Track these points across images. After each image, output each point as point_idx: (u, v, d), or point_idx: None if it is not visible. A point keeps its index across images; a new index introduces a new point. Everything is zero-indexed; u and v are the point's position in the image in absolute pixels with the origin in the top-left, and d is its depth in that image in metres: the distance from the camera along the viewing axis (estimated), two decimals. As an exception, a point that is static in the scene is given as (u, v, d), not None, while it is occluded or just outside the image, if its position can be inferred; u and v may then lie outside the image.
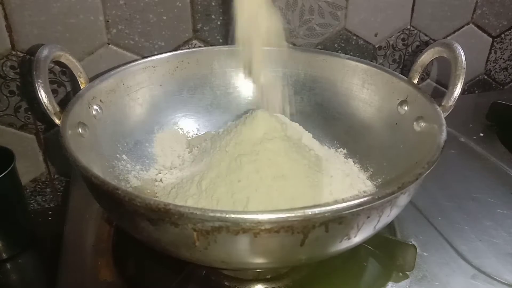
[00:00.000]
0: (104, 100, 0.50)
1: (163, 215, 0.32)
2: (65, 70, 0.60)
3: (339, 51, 0.71)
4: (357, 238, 0.36)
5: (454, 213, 0.53)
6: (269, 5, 0.51)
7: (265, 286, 0.44)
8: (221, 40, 0.65)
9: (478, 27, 0.77)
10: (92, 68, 0.59)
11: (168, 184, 0.50)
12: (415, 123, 0.49)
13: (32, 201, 0.67)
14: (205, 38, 0.64)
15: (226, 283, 0.44)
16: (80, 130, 0.45)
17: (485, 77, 0.84)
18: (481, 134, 0.69)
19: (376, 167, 0.53)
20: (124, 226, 0.41)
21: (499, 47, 0.81)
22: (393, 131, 0.52)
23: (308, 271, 0.45)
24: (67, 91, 0.61)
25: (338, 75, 0.58)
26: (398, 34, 0.73)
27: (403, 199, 0.38)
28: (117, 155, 0.51)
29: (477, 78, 0.83)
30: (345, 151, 0.57)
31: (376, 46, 0.73)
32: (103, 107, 0.50)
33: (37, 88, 0.42)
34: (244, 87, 0.61)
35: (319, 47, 0.70)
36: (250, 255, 0.35)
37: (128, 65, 0.54)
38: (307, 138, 0.53)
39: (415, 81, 0.51)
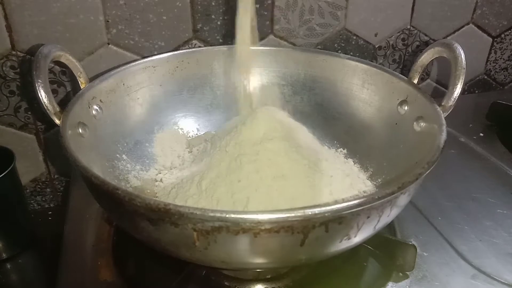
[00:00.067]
0: (104, 100, 0.50)
1: (163, 215, 0.32)
2: (65, 70, 0.60)
3: (339, 51, 0.71)
4: (357, 238, 0.36)
5: (454, 213, 0.53)
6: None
7: (265, 286, 0.44)
8: (221, 40, 0.65)
9: (478, 27, 0.77)
10: (92, 68, 0.59)
11: (168, 184, 0.50)
12: (415, 123, 0.49)
13: (32, 201, 0.67)
14: (205, 38, 0.64)
15: (226, 283, 0.44)
16: (80, 130, 0.45)
17: (485, 77, 0.84)
18: (481, 134, 0.69)
19: (376, 167, 0.53)
20: (124, 226, 0.41)
21: (499, 47, 0.81)
22: (393, 131, 0.52)
23: (308, 271, 0.45)
24: (67, 91, 0.61)
25: (338, 75, 0.58)
26: (398, 34, 0.73)
27: (403, 199, 0.38)
28: (117, 155, 0.51)
29: (477, 78, 0.83)
30: (345, 151, 0.57)
31: (376, 46, 0.73)
32: (103, 107, 0.50)
33: (37, 88, 0.42)
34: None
35: (319, 47, 0.70)
36: (250, 255, 0.35)
37: (128, 65, 0.54)
38: (308, 137, 0.53)
39: (415, 81, 0.51)
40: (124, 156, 0.51)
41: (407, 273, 0.45)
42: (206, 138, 0.58)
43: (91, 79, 0.51)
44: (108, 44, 0.60)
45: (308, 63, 0.60)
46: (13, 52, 0.57)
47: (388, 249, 0.46)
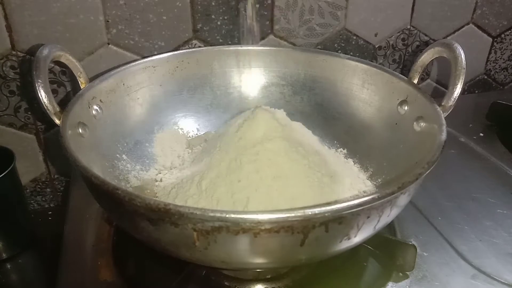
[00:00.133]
0: (104, 100, 0.50)
1: (163, 215, 0.32)
2: (65, 70, 0.60)
3: (339, 51, 0.71)
4: (357, 238, 0.36)
5: (454, 213, 0.53)
6: None
7: (265, 286, 0.44)
8: (221, 40, 0.65)
9: (478, 27, 0.78)
10: (92, 68, 0.59)
11: (168, 184, 0.50)
12: (415, 123, 0.49)
13: (32, 201, 0.67)
14: (205, 38, 0.64)
15: (226, 283, 0.44)
16: (80, 130, 0.45)
17: (485, 77, 0.84)
18: (481, 134, 0.69)
19: (376, 167, 0.53)
20: (124, 226, 0.41)
21: (499, 47, 0.81)
22: (393, 131, 0.52)
23: (308, 271, 0.45)
24: (67, 91, 0.61)
25: (338, 75, 0.58)
26: (398, 34, 0.73)
27: (403, 199, 0.38)
28: (117, 155, 0.51)
29: (477, 78, 0.83)
30: (345, 151, 0.57)
31: (376, 46, 0.73)
32: (103, 107, 0.50)
33: (37, 88, 0.42)
34: (244, 87, 0.61)
35: (319, 47, 0.70)
36: (250, 255, 0.35)
37: (128, 65, 0.54)
38: (308, 137, 0.53)
39: (415, 81, 0.51)
40: (124, 156, 0.51)
41: (407, 273, 0.45)
42: (206, 138, 0.58)
43: (91, 79, 0.50)
44: (108, 44, 0.60)
45: (308, 63, 0.60)
46: (13, 52, 0.57)
47: (388, 249, 0.46)
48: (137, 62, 0.55)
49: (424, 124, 0.48)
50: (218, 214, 0.31)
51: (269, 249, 0.34)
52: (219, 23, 0.64)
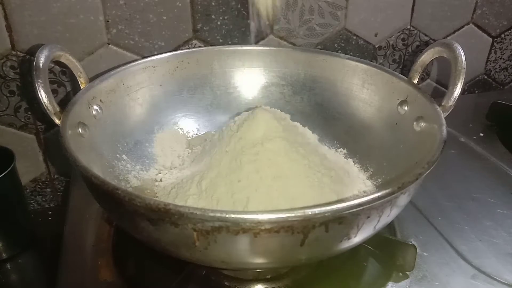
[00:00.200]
0: (104, 100, 0.50)
1: (163, 215, 0.32)
2: (65, 70, 0.60)
3: (339, 51, 0.71)
4: (357, 238, 0.36)
5: (454, 213, 0.53)
6: None
7: (265, 286, 0.44)
8: (221, 40, 0.65)
9: (478, 27, 0.77)
10: (92, 68, 0.59)
11: (168, 184, 0.50)
12: (415, 123, 0.49)
13: (32, 201, 0.67)
14: (205, 38, 0.64)
15: (226, 283, 0.44)
16: (80, 130, 0.45)
17: (485, 77, 0.84)
18: (481, 134, 0.69)
19: (376, 167, 0.53)
20: (124, 226, 0.41)
21: (499, 47, 0.81)
22: (393, 131, 0.52)
23: (308, 271, 0.45)
24: (67, 91, 0.61)
25: (338, 75, 0.58)
26: (398, 34, 0.73)
27: (403, 199, 0.38)
28: (117, 155, 0.51)
29: (477, 78, 0.83)
30: (345, 151, 0.57)
31: (376, 46, 0.73)
32: (103, 107, 0.50)
33: (37, 88, 0.42)
34: (244, 87, 0.61)
35: (319, 47, 0.70)
36: (250, 255, 0.35)
37: (128, 65, 0.54)
38: (308, 137, 0.53)
39: (415, 81, 0.51)
40: (124, 156, 0.51)
41: (407, 273, 0.45)
42: (206, 138, 0.58)
43: (91, 79, 0.50)
44: (108, 44, 0.60)
45: (308, 63, 0.60)
46: (13, 52, 0.57)
47: (388, 249, 0.46)
48: (137, 62, 0.55)
49: (424, 124, 0.48)
50: (218, 214, 0.31)
51: (269, 249, 0.34)
52: (219, 23, 0.64)
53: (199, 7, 0.62)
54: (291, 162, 0.45)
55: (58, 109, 0.43)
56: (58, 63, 0.56)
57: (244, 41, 0.65)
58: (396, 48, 0.74)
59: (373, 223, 0.36)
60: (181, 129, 0.59)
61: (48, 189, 0.67)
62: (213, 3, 0.62)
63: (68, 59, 0.49)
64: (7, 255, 0.56)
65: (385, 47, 0.73)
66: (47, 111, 0.42)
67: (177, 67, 0.58)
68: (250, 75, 0.61)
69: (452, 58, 0.47)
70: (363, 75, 0.56)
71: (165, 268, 0.46)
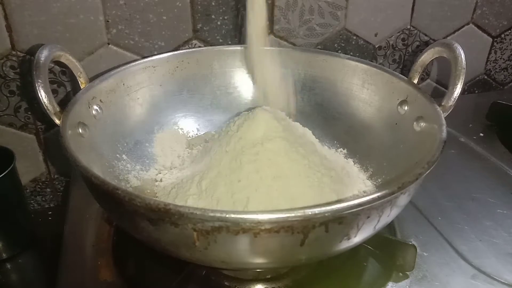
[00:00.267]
0: (104, 100, 0.50)
1: (163, 215, 0.32)
2: (65, 70, 0.60)
3: (339, 51, 0.71)
4: (357, 238, 0.36)
5: (454, 213, 0.53)
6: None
7: (265, 286, 0.44)
8: (221, 40, 0.65)
9: (478, 27, 0.77)
10: (92, 68, 0.59)
11: (168, 184, 0.50)
12: (415, 123, 0.49)
13: (32, 201, 0.67)
14: (205, 38, 0.64)
15: (226, 283, 0.44)
16: (80, 130, 0.45)
17: (485, 77, 0.84)
18: (481, 134, 0.69)
19: (376, 167, 0.53)
20: (124, 226, 0.41)
21: (499, 47, 0.81)
22: (393, 131, 0.52)
23: (308, 271, 0.45)
24: (67, 91, 0.61)
25: (338, 75, 0.58)
26: (398, 34, 0.73)
27: (403, 199, 0.38)
28: (117, 155, 0.51)
29: (477, 78, 0.83)
30: (345, 151, 0.57)
31: (376, 46, 0.73)
32: (103, 107, 0.50)
33: (37, 88, 0.42)
34: (244, 87, 0.61)
35: (319, 47, 0.70)
36: (250, 255, 0.35)
37: (128, 65, 0.54)
38: (308, 137, 0.53)
39: (415, 81, 0.51)
40: (124, 156, 0.51)
41: (407, 273, 0.45)
42: (206, 138, 0.58)
43: (91, 79, 0.50)
44: (108, 44, 0.60)
45: (308, 63, 0.60)
46: (13, 52, 0.57)
47: (388, 249, 0.46)
48: (137, 62, 0.55)
49: (424, 124, 0.48)
50: (218, 214, 0.31)
51: (269, 249, 0.34)
52: (219, 23, 0.64)
53: (199, 7, 0.62)
54: (291, 162, 0.45)
55: (58, 109, 0.43)
56: (58, 63, 0.56)
57: (244, 41, 0.65)
58: (396, 48, 0.74)
59: (373, 223, 0.36)
60: (181, 129, 0.59)
61: (48, 189, 0.67)
62: (213, 3, 0.62)
63: (68, 59, 0.49)
64: (7, 255, 0.56)
65: (385, 47, 0.73)
66: (47, 111, 0.42)
67: (177, 67, 0.58)
68: (250, 75, 0.61)
69: (452, 58, 0.47)
70: (363, 75, 0.56)
71: (165, 268, 0.46)
